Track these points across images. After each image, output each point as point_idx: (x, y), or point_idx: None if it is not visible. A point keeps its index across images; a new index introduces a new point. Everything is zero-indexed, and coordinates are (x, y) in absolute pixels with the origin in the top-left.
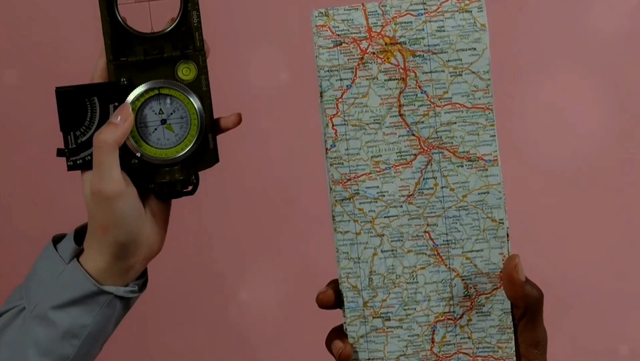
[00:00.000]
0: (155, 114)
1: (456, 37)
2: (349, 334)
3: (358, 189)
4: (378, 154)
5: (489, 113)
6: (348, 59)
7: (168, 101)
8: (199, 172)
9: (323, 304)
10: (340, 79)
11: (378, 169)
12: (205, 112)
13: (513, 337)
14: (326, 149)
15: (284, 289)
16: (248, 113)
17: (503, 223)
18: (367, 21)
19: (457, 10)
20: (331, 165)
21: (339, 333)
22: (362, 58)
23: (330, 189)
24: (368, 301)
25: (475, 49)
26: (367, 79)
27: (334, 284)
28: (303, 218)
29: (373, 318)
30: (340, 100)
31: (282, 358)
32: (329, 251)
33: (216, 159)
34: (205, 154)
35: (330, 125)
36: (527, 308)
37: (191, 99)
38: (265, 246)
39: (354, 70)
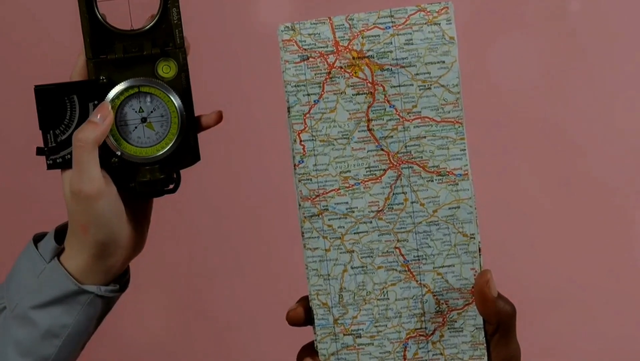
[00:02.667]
0: (136, 112)
1: (425, 50)
2: (319, 351)
3: (327, 205)
4: (347, 170)
5: (459, 127)
6: (315, 74)
7: (148, 99)
8: (180, 171)
9: (293, 321)
10: (308, 94)
11: (347, 185)
12: (185, 110)
13: (486, 353)
14: (294, 165)
15: (257, 285)
16: (232, 111)
17: (474, 238)
18: (334, 35)
19: (425, 23)
20: (299, 181)
21: (309, 350)
22: (329, 72)
23: (299, 205)
24: (338, 318)
25: (444, 62)
26: (334, 94)
27: (304, 301)
28: (283, 213)
29: (344, 335)
30: (307, 115)
31: (256, 351)
32: (299, 268)
33: (197, 158)
34: (186, 152)
35: (298, 141)
36: (499, 324)
37: (171, 97)
38: (246, 243)
39: (322, 85)
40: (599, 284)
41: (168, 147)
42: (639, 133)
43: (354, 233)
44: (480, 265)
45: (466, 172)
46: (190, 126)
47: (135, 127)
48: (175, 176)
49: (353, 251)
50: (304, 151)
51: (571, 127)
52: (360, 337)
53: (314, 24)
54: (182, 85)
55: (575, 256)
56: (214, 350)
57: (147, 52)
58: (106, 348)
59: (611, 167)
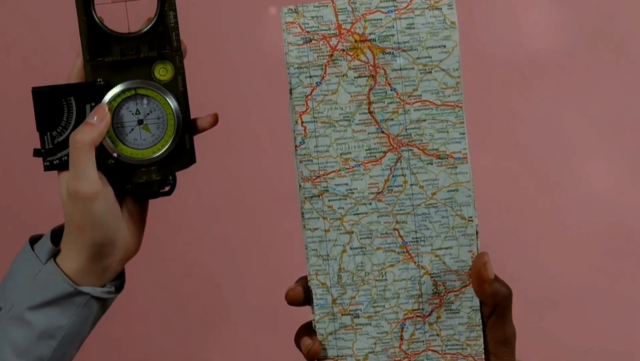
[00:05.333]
0: (132, 114)
1: (426, 34)
2: (317, 331)
3: (327, 187)
4: (347, 152)
5: (459, 110)
6: (318, 56)
7: (145, 101)
8: (176, 173)
9: (292, 301)
10: (310, 76)
11: (347, 167)
12: (181, 112)
13: (482, 335)
14: (295, 146)
15: (254, 286)
16: (228, 114)
17: (472, 221)
18: (336, 18)
19: (427, 8)
20: (300, 162)
21: (307, 329)
22: (331, 55)
23: (300, 186)
24: (337, 298)
25: (445, 46)
26: (336, 76)
27: (303, 281)
28: (278, 212)
29: (342, 315)
30: (309, 97)
31: (253, 350)
32: (299, 248)
33: (193, 160)
34: (182, 154)
35: (299, 122)
36: (496, 306)
37: (168, 100)
38: (242, 245)
39: (324, 67)
40: (594, 283)
41: (164, 149)
42: (635, 133)
43: (354, 214)
44: (477, 248)
45: (465, 155)
46: (186, 128)
47: (132, 129)
48: (171, 178)
49: (352, 232)
50: (305, 132)
51: (568, 126)
52: (358, 317)
53: (317, 7)
54: (178, 87)
55: (569, 255)
56: (212, 340)
57: (144, 55)
58: (103, 349)
59: (606, 166)
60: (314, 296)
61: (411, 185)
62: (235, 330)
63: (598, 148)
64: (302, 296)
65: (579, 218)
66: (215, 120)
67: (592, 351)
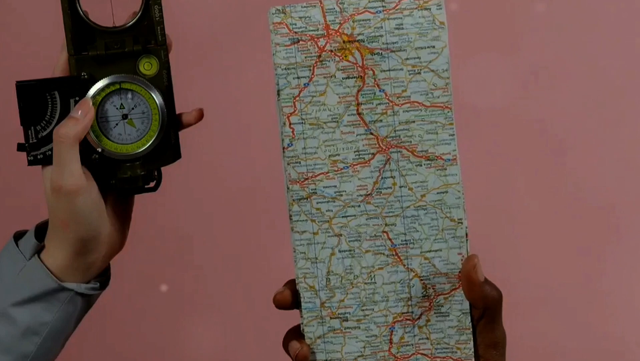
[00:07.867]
0: (117, 109)
1: (415, 35)
2: (306, 335)
3: (315, 189)
4: (336, 153)
5: (448, 112)
6: (305, 57)
7: (129, 95)
8: (162, 169)
9: (280, 304)
10: (298, 77)
11: (336, 169)
12: (166, 107)
13: (472, 338)
14: (283, 148)
15: (242, 289)
16: (214, 110)
17: (462, 223)
18: (324, 19)
19: (415, 8)
20: (288, 164)
21: (296, 333)
22: (319, 56)
23: (288, 188)
24: (325, 301)
25: (434, 47)
26: (324, 77)
27: (291, 285)
28: (266, 215)
29: (330, 318)
30: (297, 98)
31: (241, 354)
32: (287, 251)
33: (178, 155)
34: (166, 149)
35: (287, 124)
36: (486, 309)
37: (152, 94)
38: (230, 247)
39: (312, 68)
40: (585, 285)
41: (149, 144)
42: (625, 134)
43: (342, 217)
44: (467, 250)
45: (454, 157)
46: (171, 123)
47: (116, 124)
48: (156, 173)
49: (341, 235)
50: (293, 134)
51: (560, 126)
52: (347, 321)
53: (305, 7)
54: (163, 82)
55: (560, 257)
56: (198, 343)
57: (129, 49)
58: (87, 347)
59: (598, 165)
60: (302, 300)
61: (400, 187)
62: (224, 333)
63: (589, 149)
64: (290, 299)
65: (569, 220)
66: (200, 115)
67: (583, 354)
